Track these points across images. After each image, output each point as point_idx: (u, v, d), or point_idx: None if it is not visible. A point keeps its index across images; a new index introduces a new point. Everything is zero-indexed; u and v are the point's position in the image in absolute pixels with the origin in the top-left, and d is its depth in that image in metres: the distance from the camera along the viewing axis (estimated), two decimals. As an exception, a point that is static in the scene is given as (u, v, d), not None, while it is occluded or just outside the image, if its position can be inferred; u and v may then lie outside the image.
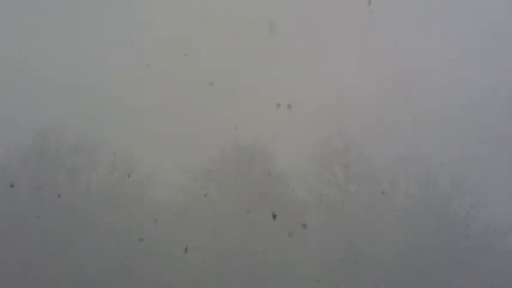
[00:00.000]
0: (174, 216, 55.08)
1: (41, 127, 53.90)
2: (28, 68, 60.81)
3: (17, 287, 49.54)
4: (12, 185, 54.07)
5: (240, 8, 61.82)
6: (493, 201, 52.92)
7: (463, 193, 53.96)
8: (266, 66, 66.04)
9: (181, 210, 55.74)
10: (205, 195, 55.72)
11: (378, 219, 54.48)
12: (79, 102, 60.38)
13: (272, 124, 60.67)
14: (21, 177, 54.63)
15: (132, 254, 52.67)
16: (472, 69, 63.07)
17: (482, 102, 60.81)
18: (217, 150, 56.02)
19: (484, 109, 61.00)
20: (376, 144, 55.80)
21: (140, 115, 63.30)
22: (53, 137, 54.54)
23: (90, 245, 52.45)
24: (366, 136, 53.94)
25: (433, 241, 54.47)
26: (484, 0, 60.95)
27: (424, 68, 60.50)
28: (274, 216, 55.86)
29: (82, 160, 55.08)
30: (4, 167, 54.09)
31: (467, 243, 54.37)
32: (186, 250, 54.23)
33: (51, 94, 60.81)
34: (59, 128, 54.38)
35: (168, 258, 53.53)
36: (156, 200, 56.46)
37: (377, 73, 63.69)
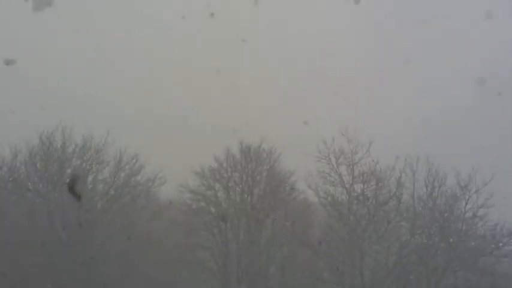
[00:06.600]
0: (180, 216, 55.12)
1: (48, 127, 53.96)
2: (35, 70, 61.09)
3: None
4: (18, 183, 54.18)
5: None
6: (500, 202, 52.73)
7: (469, 194, 53.65)
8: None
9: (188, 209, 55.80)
10: (211, 195, 55.73)
11: (384, 220, 54.27)
12: (85, 102, 60.55)
13: (278, 124, 60.80)
14: (28, 177, 54.72)
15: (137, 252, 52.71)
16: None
17: (489, 104, 60.87)
18: (223, 151, 56.03)
19: (489, 110, 61.03)
20: (383, 144, 55.78)
21: (146, 115, 63.44)
22: (60, 137, 54.50)
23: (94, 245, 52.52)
24: (373, 136, 53.96)
25: (440, 241, 54.28)
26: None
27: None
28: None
29: (88, 160, 55.03)
30: (11, 166, 54.15)
31: (474, 244, 54.19)
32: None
33: (57, 95, 61.00)
34: (66, 128, 54.41)
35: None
36: (162, 199, 56.54)
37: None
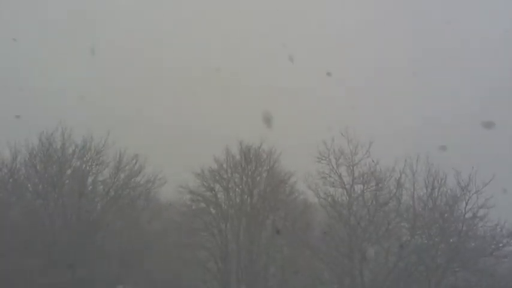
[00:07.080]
0: (180, 217, 55.16)
1: (48, 128, 53.96)
2: (37, 70, 61.21)
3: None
4: (18, 184, 54.26)
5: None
6: (500, 202, 52.65)
7: (469, 194, 53.44)
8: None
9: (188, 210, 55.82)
10: (211, 196, 55.73)
11: (384, 220, 54.19)
12: (85, 103, 60.58)
13: (278, 124, 60.76)
14: (28, 178, 54.78)
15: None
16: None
17: (490, 104, 60.84)
18: (223, 151, 56.01)
19: (490, 110, 61.03)
20: (383, 144, 55.68)
21: (146, 115, 63.51)
22: (59, 138, 54.50)
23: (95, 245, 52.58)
24: (373, 136, 53.81)
25: (440, 242, 54.17)
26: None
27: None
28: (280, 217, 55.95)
29: (88, 161, 55.04)
30: (11, 167, 54.18)
31: (475, 244, 54.05)
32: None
33: (58, 95, 61.11)
34: (65, 129, 54.41)
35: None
36: (162, 200, 56.57)
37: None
